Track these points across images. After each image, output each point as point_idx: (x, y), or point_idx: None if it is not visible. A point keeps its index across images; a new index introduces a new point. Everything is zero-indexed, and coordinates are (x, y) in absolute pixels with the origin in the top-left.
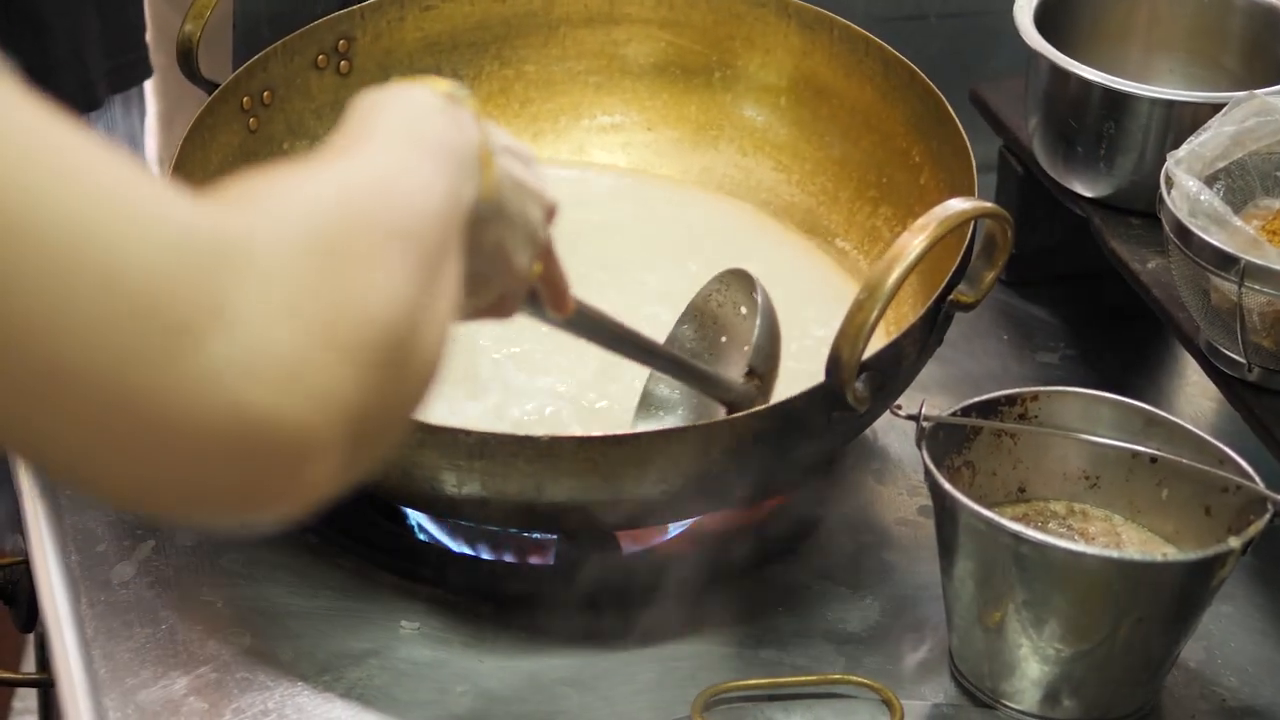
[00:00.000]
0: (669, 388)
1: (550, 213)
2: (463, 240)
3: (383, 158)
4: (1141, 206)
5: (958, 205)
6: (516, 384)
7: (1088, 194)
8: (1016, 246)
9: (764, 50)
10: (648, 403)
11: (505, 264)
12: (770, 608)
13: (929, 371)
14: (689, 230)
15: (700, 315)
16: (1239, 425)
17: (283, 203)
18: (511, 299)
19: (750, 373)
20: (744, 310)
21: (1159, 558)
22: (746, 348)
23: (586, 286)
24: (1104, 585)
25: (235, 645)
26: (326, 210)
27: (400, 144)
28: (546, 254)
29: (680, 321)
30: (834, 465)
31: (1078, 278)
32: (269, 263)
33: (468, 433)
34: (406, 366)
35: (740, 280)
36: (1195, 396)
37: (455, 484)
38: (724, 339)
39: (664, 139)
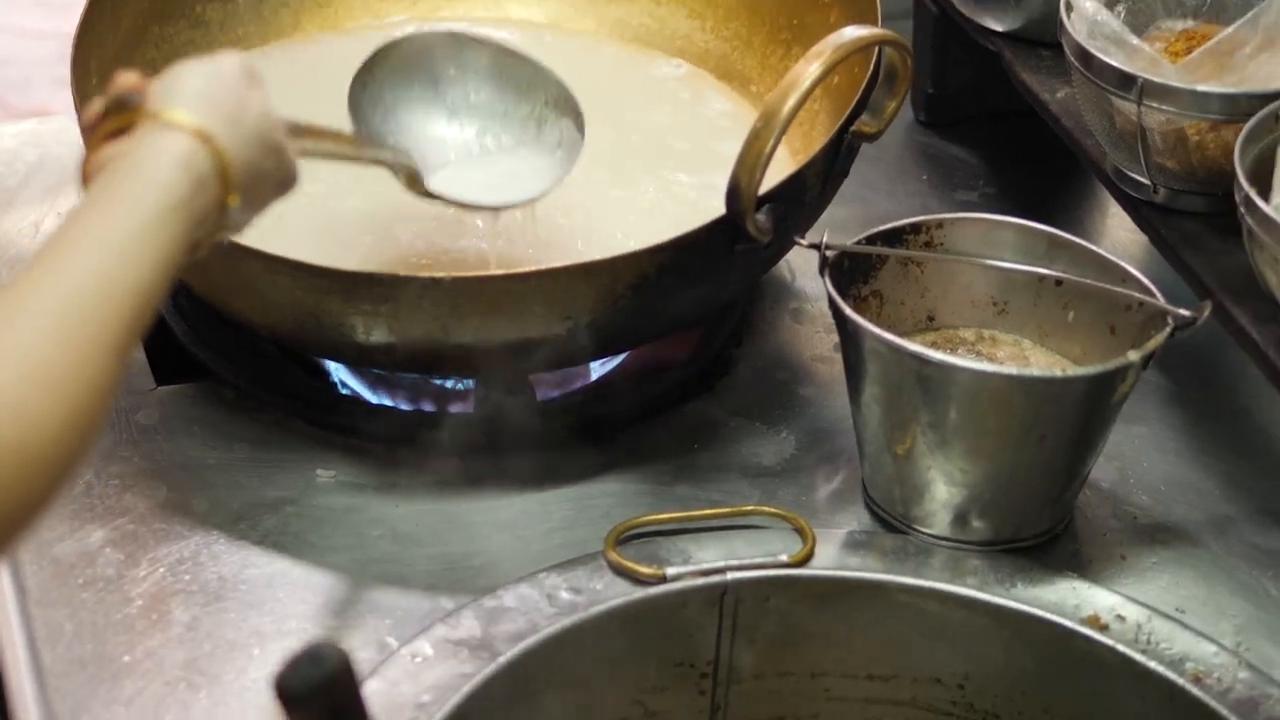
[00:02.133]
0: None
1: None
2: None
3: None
4: (1050, 39)
5: (853, 32)
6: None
7: (999, 28)
8: (935, 87)
9: None
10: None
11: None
12: (686, 445)
13: (849, 211)
14: (604, 83)
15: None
16: (1157, 256)
17: None
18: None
19: None
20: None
21: (1058, 373)
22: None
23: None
24: (1006, 403)
25: (151, 498)
26: None
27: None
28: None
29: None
30: (752, 307)
31: (996, 117)
32: None
33: (371, 276)
34: None
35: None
36: (1114, 229)
37: (363, 330)
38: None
39: None
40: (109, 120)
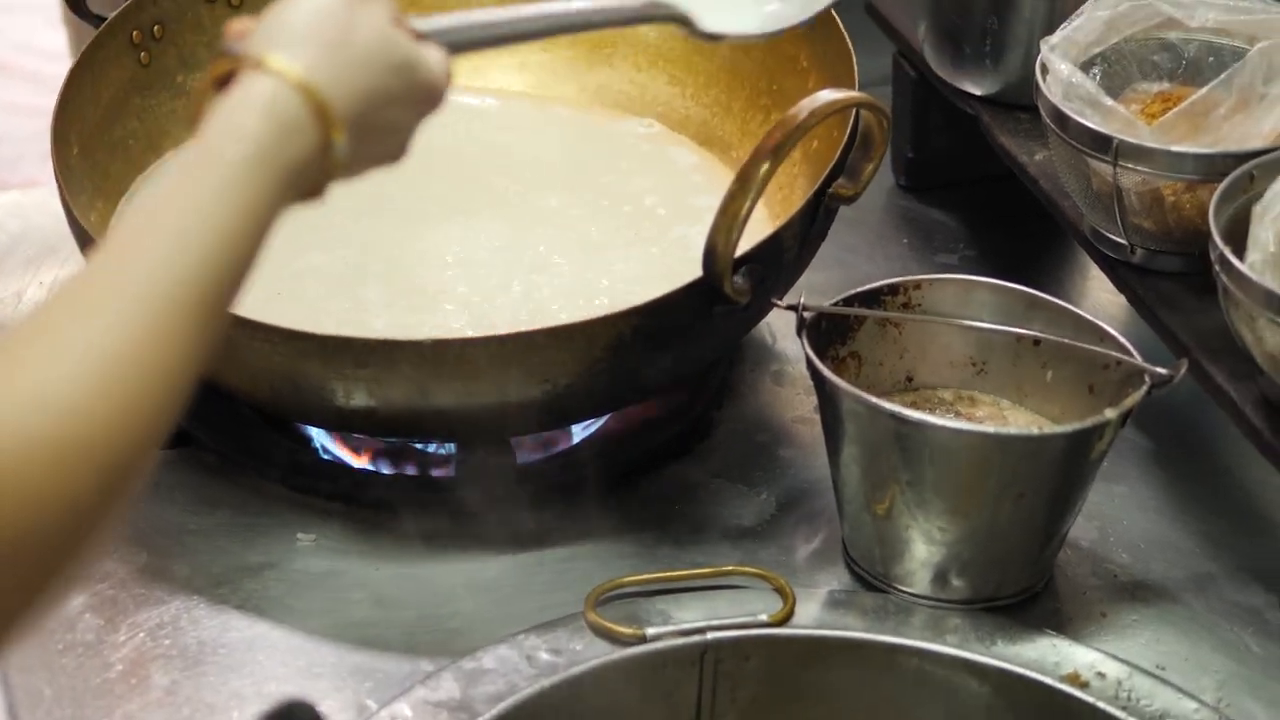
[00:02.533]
0: None
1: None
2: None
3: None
4: (1027, 101)
5: (828, 95)
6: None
7: (976, 92)
8: (915, 152)
9: None
10: None
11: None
12: (667, 507)
13: (829, 275)
14: (587, 150)
15: None
16: (1135, 315)
17: None
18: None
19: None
20: None
21: (1036, 431)
22: None
23: (487, 208)
24: (984, 461)
25: (132, 563)
26: None
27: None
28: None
29: None
30: (733, 369)
31: (976, 180)
32: None
33: (350, 340)
34: None
35: None
36: (1093, 289)
37: (343, 395)
38: None
39: (559, 59)
40: (216, 66)
